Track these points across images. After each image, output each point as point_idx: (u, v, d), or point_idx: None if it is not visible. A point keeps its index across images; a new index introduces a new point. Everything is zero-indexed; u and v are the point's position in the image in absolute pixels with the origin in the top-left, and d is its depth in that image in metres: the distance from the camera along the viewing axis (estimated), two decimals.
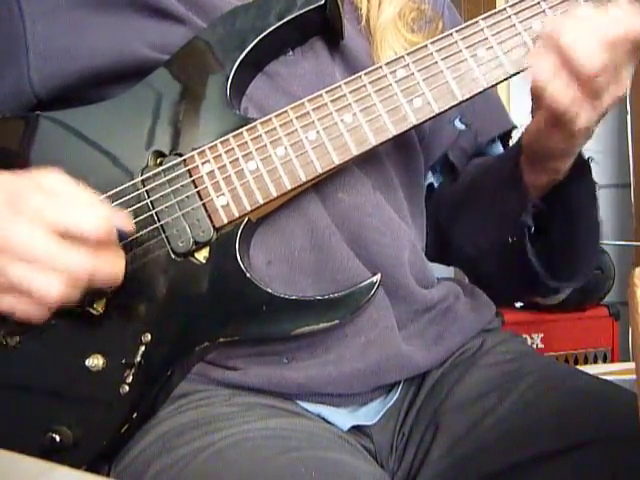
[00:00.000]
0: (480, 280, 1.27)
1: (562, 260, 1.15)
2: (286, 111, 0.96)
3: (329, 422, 1.04)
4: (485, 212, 1.17)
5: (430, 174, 1.26)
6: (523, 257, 1.10)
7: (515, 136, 1.26)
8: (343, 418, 1.05)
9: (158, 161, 0.98)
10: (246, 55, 0.98)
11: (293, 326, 0.97)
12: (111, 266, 0.90)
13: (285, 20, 0.99)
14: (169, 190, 0.96)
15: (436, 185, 1.27)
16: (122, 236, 0.91)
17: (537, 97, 0.93)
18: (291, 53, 1.05)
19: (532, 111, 1.00)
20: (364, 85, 0.95)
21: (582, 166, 1.07)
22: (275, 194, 0.95)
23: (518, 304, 2.77)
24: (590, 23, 0.89)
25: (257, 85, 1.03)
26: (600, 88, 0.90)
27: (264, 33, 0.99)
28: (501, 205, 1.11)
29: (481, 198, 1.17)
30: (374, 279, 0.99)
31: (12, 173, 0.89)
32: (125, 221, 0.91)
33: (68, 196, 0.87)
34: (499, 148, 1.28)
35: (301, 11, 0.99)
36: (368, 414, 1.08)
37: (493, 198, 1.14)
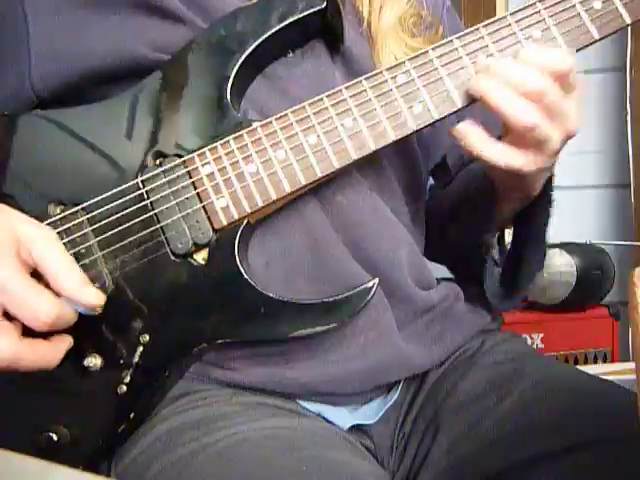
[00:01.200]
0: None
1: (515, 273, 1.19)
2: (287, 114, 0.96)
3: (329, 421, 1.05)
4: (461, 224, 1.21)
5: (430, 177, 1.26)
6: (479, 274, 1.15)
7: None
8: (343, 417, 1.06)
9: (158, 162, 0.97)
10: (247, 57, 0.98)
11: (291, 329, 0.97)
12: (40, 357, 0.88)
13: (286, 22, 0.99)
14: (169, 191, 0.96)
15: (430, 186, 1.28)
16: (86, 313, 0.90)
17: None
18: (291, 55, 1.05)
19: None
20: (365, 90, 0.95)
21: (547, 188, 1.10)
22: (275, 197, 0.95)
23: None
24: (507, 77, 0.92)
25: (257, 87, 1.03)
26: (539, 136, 0.93)
27: (265, 35, 0.98)
28: (471, 219, 1.17)
29: (459, 209, 1.21)
30: (371, 283, 0.99)
31: (3, 213, 0.90)
32: (94, 301, 0.89)
33: (40, 264, 0.86)
34: None
35: (302, 14, 0.99)
36: (368, 413, 1.09)
37: (467, 211, 1.18)
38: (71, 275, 0.88)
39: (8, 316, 0.85)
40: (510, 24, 0.95)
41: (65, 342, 0.91)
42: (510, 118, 0.92)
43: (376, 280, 0.99)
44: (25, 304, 0.84)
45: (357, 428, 1.07)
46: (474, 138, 0.94)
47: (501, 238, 1.23)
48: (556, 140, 0.95)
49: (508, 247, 1.22)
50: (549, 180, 1.09)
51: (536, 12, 0.95)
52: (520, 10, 0.95)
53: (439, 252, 1.28)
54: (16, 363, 0.85)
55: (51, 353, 0.89)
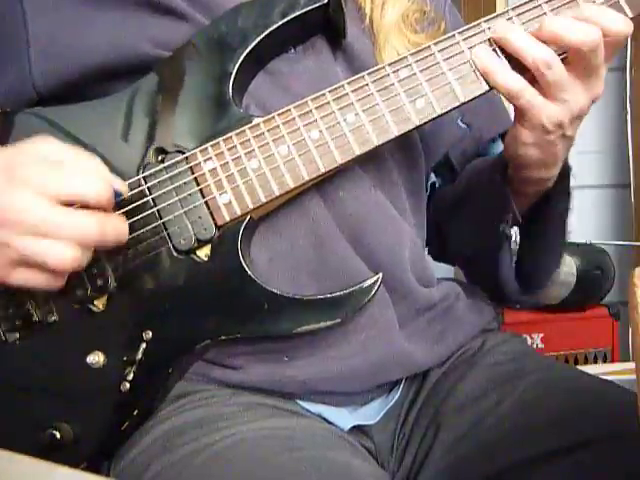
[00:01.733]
0: (474, 281, 1.28)
1: (526, 269, 1.18)
2: (289, 109, 0.96)
3: (330, 422, 1.05)
4: (473, 217, 1.19)
5: (433, 174, 1.26)
6: (496, 265, 1.14)
7: None
8: (344, 418, 1.06)
9: (160, 158, 0.97)
10: (249, 53, 0.98)
11: (294, 325, 0.97)
12: (116, 221, 0.90)
13: (288, 18, 0.99)
14: (171, 187, 0.96)
15: (437, 185, 1.28)
16: (118, 198, 0.92)
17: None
18: (293, 51, 1.05)
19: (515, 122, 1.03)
20: (367, 84, 0.95)
21: (562, 175, 1.09)
22: (277, 192, 0.95)
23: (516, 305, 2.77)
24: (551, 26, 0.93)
25: (259, 83, 1.03)
26: (561, 80, 0.94)
27: (267, 31, 0.98)
28: (484, 212, 1.14)
29: (470, 203, 1.19)
30: (375, 278, 0.99)
31: (7, 147, 0.90)
32: (120, 184, 0.92)
33: (67, 163, 0.87)
34: (500, 147, 1.28)
35: (304, 9, 0.99)
36: (369, 414, 1.09)
37: (479, 205, 1.16)
38: (95, 161, 0.92)
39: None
40: (512, 18, 0.95)
41: (122, 215, 0.93)
42: (528, 55, 0.93)
43: (380, 275, 0.99)
44: (77, 184, 0.86)
45: (357, 429, 1.07)
46: (489, 58, 0.96)
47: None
48: (581, 98, 0.96)
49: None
50: (564, 174, 1.09)
51: (537, 6, 0.95)
52: (521, 4, 0.96)
53: (449, 250, 1.28)
54: (104, 235, 0.87)
55: (122, 221, 0.92)
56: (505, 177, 1.09)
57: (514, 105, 0.98)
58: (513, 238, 1.14)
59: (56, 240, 0.84)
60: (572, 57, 0.93)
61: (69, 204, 0.85)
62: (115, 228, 0.89)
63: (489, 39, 0.95)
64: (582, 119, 1.00)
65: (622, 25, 0.93)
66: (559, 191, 1.11)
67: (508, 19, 0.95)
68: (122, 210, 0.95)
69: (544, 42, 0.93)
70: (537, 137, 0.99)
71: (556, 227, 1.16)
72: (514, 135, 1.02)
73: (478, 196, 1.16)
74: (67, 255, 0.84)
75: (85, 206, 0.86)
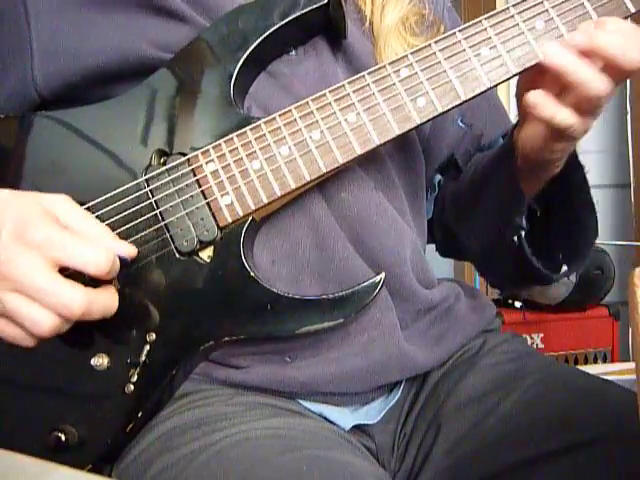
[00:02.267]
0: (487, 274, 1.27)
1: (560, 249, 1.16)
2: (290, 110, 0.96)
3: (331, 421, 1.05)
4: (484, 211, 1.17)
5: (439, 174, 1.26)
6: (521, 255, 1.12)
7: None
8: (345, 417, 1.06)
9: (162, 160, 0.98)
10: (249, 54, 0.98)
11: (297, 325, 0.97)
12: (105, 302, 0.90)
13: (288, 19, 0.99)
14: (173, 189, 0.96)
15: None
16: (125, 263, 0.92)
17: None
18: (294, 52, 1.05)
19: (522, 123, 1.02)
20: (367, 84, 0.96)
21: (574, 157, 1.09)
22: (279, 193, 0.95)
23: (518, 304, 2.77)
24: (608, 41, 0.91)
25: (260, 84, 1.03)
26: (602, 102, 0.93)
27: (267, 32, 0.99)
28: (499, 206, 1.13)
29: (481, 199, 1.18)
30: (378, 278, 0.99)
31: (20, 194, 0.90)
32: (129, 251, 0.92)
33: (73, 228, 0.87)
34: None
35: (304, 10, 0.99)
36: (370, 413, 1.09)
37: (492, 199, 1.15)
38: (106, 230, 0.92)
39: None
40: (513, 15, 0.95)
41: (114, 291, 0.93)
42: (584, 85, 0.91)
43: (382, 275, 0.99)
44: (84, 253, 0.85)
45: (358, 428, 1.07)
46: (547, 105, 0.93)
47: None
48: (603, 104, 0.94)
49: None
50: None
51: (539, 3, 0.95)
52: (523, 1, 0.95)
53: (461, 246, 1.27)
54: (89, 311, 0.86)
55: (112, 298, 0.91)
56: (515, 169, 1.07)
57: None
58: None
59: (40, 306, 0.84)
60: (611, 71, 0.92)
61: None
62: (102, 306, 0.89)
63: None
64: None
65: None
66: (572, 164, 1.10)
67: (509, 17, 0.95)
68: (124, 213, 0.95)
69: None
70: (568, 145, 1.00)
71: (582, 197, 1.14)
72: (542, 146, 1.01)
73: (486, 191, 1.16)
74: (44, 324, 0.84)
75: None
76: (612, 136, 3.14)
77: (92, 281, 0.88)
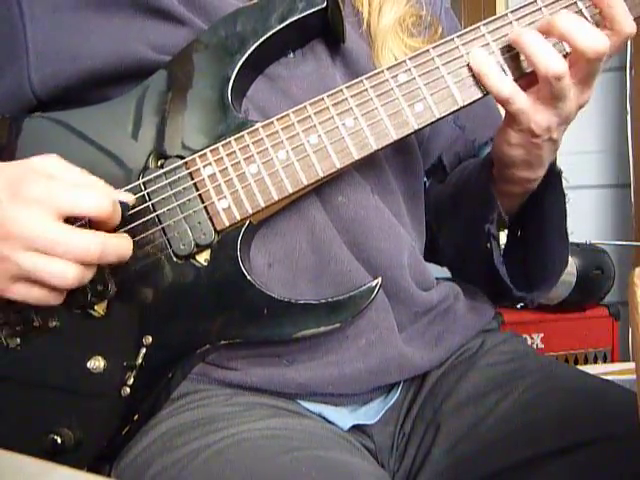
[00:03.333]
0: (464, 280, 1.28)
1: (531, 269, 1.18)
2: (288, 114, 0.96)
3: (330, 421, 1.05)
4: (461, 216, 1.19)
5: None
6: (491, 264, 1.13)
7: None
8: (344, 418, 1.06)
9: (159, 163, 0.97)
10: (247, 57, 0.98)
11: (294, 329, 0.97)
12: (118, 240, 0.90)
13: (286, 23, 0.99)
14: (170, 193, 0.96)
15: (427, 186, 1.28)
16: (124, 207, 0.92)
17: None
18: (292, 55, 1.05)
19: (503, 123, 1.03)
20: (365, 89, 0.96)
21: (553, 178, 1.10)
22: (276, 197, 0.95)
23: (518, 304, 2.77)
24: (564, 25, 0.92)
25: (258, 87, 1.03)
26: (564, 89, 0.93)
27: (265, 36, 0.98)
28: (471, 212, 1.15)
29: (458, 203, 1.20)
30: (374, 282, 0.99)
31: (7, 163, 0.89)
32: (126, 196, 0.93)
33: (67, 179, 0.87)
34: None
35: (303, 14, 0.99)
36: (369, 413, 1.09)
37: (466, 204, 1.17)
38: (96, 178, 0.91)
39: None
40: (511, 22, 0.95)
41: (126, 235, 0.93)
42: (540, 63, 0.92)
43: (379, 280, 0.99)
44: (85, 198, 0.85)
45: (357, 428, 1.07)
46: (484, 60, 0.95)
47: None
48: (572, 104, 0.96)
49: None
50: (554, 176, 1.11)
51: (537, 9, 0.95)
52: (521, 7, 0.95)
53: (438, 250, 1.28)
54: (105, 254, 0.86)
55: (125, 241, 0.92)
56: (491, 177, 1.10)
57: (505, 109, 0.98)
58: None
59: (58, 258, 0.84)
60: (574, 61, 0.93)
61: (73, 219, 0.86)
62: (117, 247, 0.89)
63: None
64: (569, 123, 1.00)
65: (630, 27, 0.94)
66: (551, 192, 1.12)
67: (507, 23, 0.95)
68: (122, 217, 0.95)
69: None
70: (524, 139, 1.00)
71: (555, 228, 1.16)
72: (502, 135, 1.03)
73: (465, 196, 1.17)
74: (68, 273, 0.84)
75: (91, 222, 0.87)
76: (612, 136, 3.14)
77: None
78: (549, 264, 1.18)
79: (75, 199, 0.85)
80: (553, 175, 1.11)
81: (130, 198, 0.93)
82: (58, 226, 0.84)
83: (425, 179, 1.27)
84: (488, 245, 1.13)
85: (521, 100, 0.95)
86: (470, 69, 0.95)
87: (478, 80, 0.95)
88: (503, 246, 1.21)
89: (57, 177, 0.86)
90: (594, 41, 0.91)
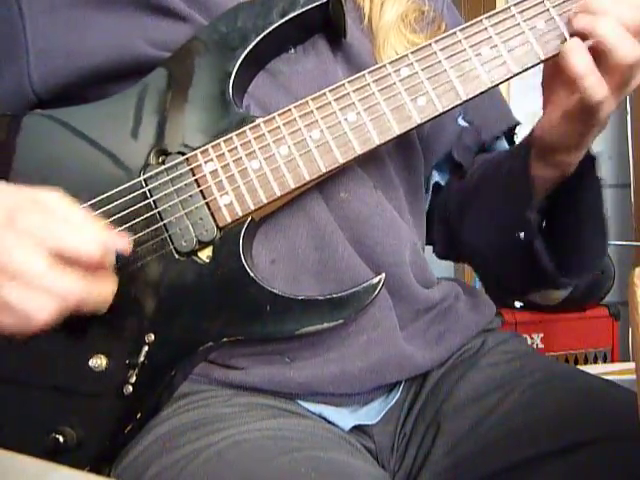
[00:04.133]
0: (489, 276, 1.27)
1: (571, 255, 1.14)
2: (289, 110, 0.96)
3: (330, 422, 1.04)
4: (494, 208, 1.16)
5: (436, 173, 1.26)
6: (531, 253, 1.10)
7: (520, 132, 1.26)
8: (344, 418, 1.05)
9: (160, 159, 0.97)
10: (248, 53, 0.98)
11: (297, 326, 0.96)
12: (100, 292, 0.89)
13: (288, 18, 0.98)
14: (172, 189, 0.96)
15: (442, 183, 1.27)
16: (119, 258, 0.91)
17: (565, 91, 0.95)
18: (293, 51, 1.05)
19: (545, 106, 1.01)
20: (368, 84, 0.95)
21: (590, 162, 1.07)
22: (279, 193, 0.95)
23: (518, 304, 2.78)
24: (619, 12, 0.90)
25: (259, 83, 1.03)
26: (630, 78, 0.92)
27: (266, 31, 0.98)
28: (508, 201, 1.11)
29: (490, 194, 1.17)
30: (377, 279, 0.99)
31: (10, 186, 0.89)
32: (123, 243, 0.90)
33: (65, 217, 0.86)
34: (504, 144, 1.27)
35: (304, 9, 0.98)
36: (369, 414, 1.08)
37: (501, 194, 1.14)
38: (96, 221, 0.90)
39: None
40: (514, 15, 0.94)
41: (113, 281, 0.92)
42: (618, 53, 0.90)
43: (382, 276, 0.99)
44: (76, 239, 0.84)
45: (358, 429, 1.07)
46: (583, 57, 0.92)
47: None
48: (635, 83, 0.95)
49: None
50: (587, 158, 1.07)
51: (540, 2, 0.94)
52: (523, 1, 0.95)
53: (462, 246, 1.26)
54: (83, 302, 0.86)
55: (108, 290, 0.91)
56: (527, 164, 1.06)
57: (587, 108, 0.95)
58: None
59: (37, 294, 0.83)
60: None
61: (62, 259, 0.85)
62: (96, 298, 0.88)
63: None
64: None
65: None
66: (587, 176, 1.08)
67: (510, 16, 0.95)
68: (122, 213, 0.95)
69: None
70: (579, 123, 0.98)
71: (590, 215, 1.12)
72: (553, 124, 1.00)
73: (495, 187, 1.15)
74: (43, 312, 0.83)
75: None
76: (612, 136, 3.14)
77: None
78: (585, 256, 1.15)
79: (65, 239, 0.84)
80: (588, 160, 1.07)
81: (125, 245, 0.91)
82: (44, 263, 0.83)
83: (437, 178, 1.26)
84: (525, 234, 1.09)
85: (608, 101, 0.93)
86: (472, 63, 0.95)
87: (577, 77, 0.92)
88: None
89: (55, 212, 0.86)
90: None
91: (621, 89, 0.93)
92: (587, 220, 1.11)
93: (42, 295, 0.83)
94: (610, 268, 2.71)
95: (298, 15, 0.99)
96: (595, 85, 0.91)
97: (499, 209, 1.15)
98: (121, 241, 0.90)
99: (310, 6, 0.98)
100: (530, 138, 1.06)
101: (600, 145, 3.12)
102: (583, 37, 0.92)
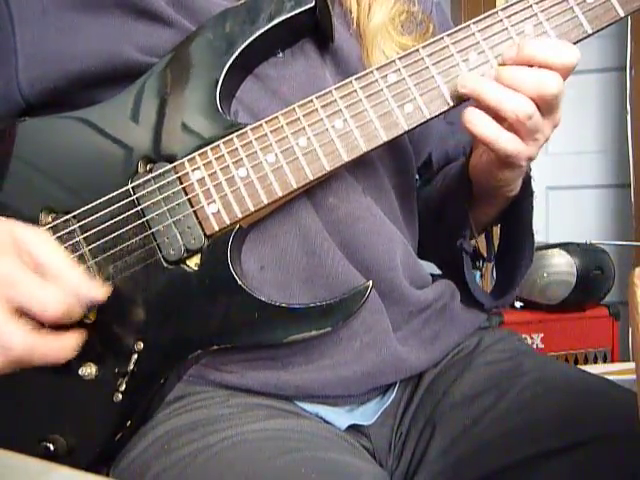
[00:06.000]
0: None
1: (505, 273, 1.22)
2: (277, 117, 0.95)
3: (327, 422, 1.05)
4: (440, 227, 1.22)
5: None
6: (461, 277, 1.17)
7: None
8: (341, 418, 1.06)
9: (148, 167, 0.97)
10: (235, 58, 0.97)
11: (286, 333, 0.96)
12: (51, 350, 0.88)
13: (275, 22, 0.98)
14: (159, 197, 0.95)
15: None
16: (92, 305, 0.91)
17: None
18: (281, 55, 1.04)
19: (472, 149, 1.07)
20: (355, 90, 0.95)
21: (526, 179, 1.12)
22: (266, 201, 0.94)
23: (518, 304, 2.78)
24: (511, 78, 0.92)
25: (247, 87, 1.02)
26: (537, 125, 0.93)
27: (253, 36, 0.98)
28: (447, 225, 1.18)
29: (438, 214, 1.21)
30: (365, 286, 0.98)
31: None
32: (97, 294, 0.90)
33: (42, 266, 0.86)
34: None
35: (291, 13, 0.98)
36: (365, 414, 1.09)
37: (444, 217, 1.19)
38: (74, 270, 0.88)
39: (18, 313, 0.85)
40: (502, 20, 0.94)
41: (75, 337, 0.91)
42: (508, 112, 0.91)
43: (370, 283, 0.99)
44: (33, 296, 0.84)
45: (354, 428, 1.07)
46: (487, 126, 0.94)
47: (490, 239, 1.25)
48: (547, 132, 0.96)
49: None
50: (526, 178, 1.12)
51: (528, 7, 0.94)
52: (511, 5, 0.94)
53: (426, 252, 1.28)
54: (29, 356, 0.85)
55: (61, 347, 0.89)
56: (468, 194, 1.12)
57: (493, 151, 0.97)
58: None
59: None
60: (537, 104, 0.93)
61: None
62: (44, 353, 0.87)
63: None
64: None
65: (571, 56, 0.92)
66: (525, 194, 1.14)
67: (497, 21, 0.94)
68: (111, 222, 0.95)
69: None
70: (513, 173, 1.03)
71: (527, 229, 1.18)
72: (487, 171, 1.05)
73: (443, 209, 1.19)
74: None
75: None
76: (612, 136, 3.14)
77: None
78: (522, 266, 1.20)
79: (25, 295, 0.84)
80: (526, 177, 1.12)
81: (99, 295, 0.90)
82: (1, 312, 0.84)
83: (417, 177, 1.27)
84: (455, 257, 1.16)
85: (522, 150, 0.95)
86: (459, 68, 0.95)
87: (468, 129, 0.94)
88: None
89: (31, 259, 0.86)
90: (546, 86, 0.91)
91: (533, 137, 0.95)
92: (524, 234, 1.19)
93: None
94: (610, 268, 2.71)
95: (285, 20, 0.98)
96: (506, 144, 0.94)
97: (445, 231, 1.20)
98: (96, 292, 0.90)
99: (297, 11, 0.98)
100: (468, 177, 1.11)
101: (600, 145, 3.12)
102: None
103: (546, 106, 0.93)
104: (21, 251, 0.85)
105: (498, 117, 0.93)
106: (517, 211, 1.16)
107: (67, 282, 0.87)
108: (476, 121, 0.93)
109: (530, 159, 0.97)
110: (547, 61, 0.91)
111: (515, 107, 0.91)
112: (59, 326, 0.89)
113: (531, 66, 0.92)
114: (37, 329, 0.86)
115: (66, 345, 0.90)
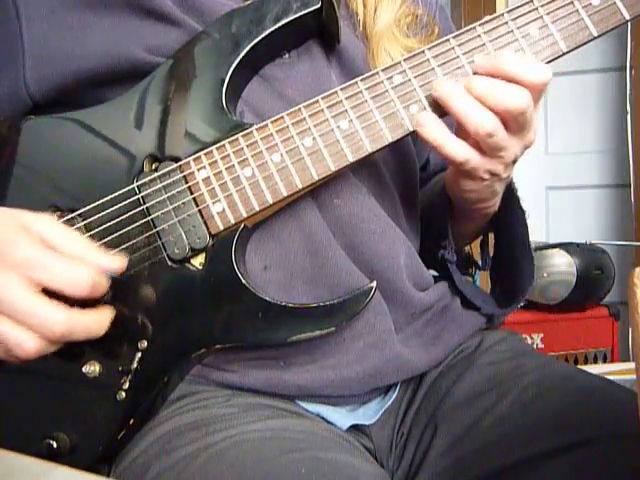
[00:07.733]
0: None
1: (500, 287, 1.23)
2: (282, 117, 0.95)
3: (328, 422, 1.05)
4: (424, 234, 1.22)
5: None
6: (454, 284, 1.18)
7: None
8: (342, 418, 1.06)
9: (153, 166, 0.97)
10: (242, 59, 0.98)
11: (289, 333, 0.96)
12: (89, 325, 0.88)
13: (281, 23, 0.98)
14: (165, 196, 0.95)
15: None
16: (114, 276, 0.91)
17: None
18: (287, 56, 1.05)
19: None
20: (360, 91, 0.95)
21: (509, 195, 1.13)
22: (271, 201, 0.95)
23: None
24: (481, 88, 0.92)
25: (253, 88, 1.03)
26: (500, 142, 0.94)
27: (260, 37, 0.98)
28: (431, 233, 1.18)
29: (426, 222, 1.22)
30: (369, 287, 0.98)
31: (3, 212, 0.89)
32: (117, 265, 0.90)
33: (56, 247, 0.86)
34: None
35: (297, 14, 0.98)
36: (367, 414, 1.09)
37: (427, 224, 1.20)
38: (90, 245, 0.90)
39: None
40: (507, 22, 0.94)
41: (108, 311, 0.92)
42: (469, 126, 0.92)
43: (374, 283, 0.99)
44: (63, 275, 0.84)
45: (356, 428, 1.07)
46: (435, 129, 0.94)
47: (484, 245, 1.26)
48: (515, 149, 0.97)
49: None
50: (510, 191, 1.13)
51: (533, 9, 0.94)
52: (517, 7, 0.94)
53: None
54: (70, 333, 0.85)
55: (99, 321, 0.90)
56: (448, 208, 1.13)
57: (457, 168, 0.99)
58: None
59: (22, 328, 0.83)
60: (504, 118, 0.93)
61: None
62: (85, 327, 0.88)
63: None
64: (516, 162, 1.01)
65: (541, 75, 0.92)
66: (510, 209, 1.15)
67: (503, 23, 0.95)
68: (116, 220, 0.95)
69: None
70: (475, 185, 1.02)
71: (518, 244, 1.19)
72: (453, 183, 1.06)
73: (428, 218, 1.20)
74: (27, 346, 0.84)
75: None
76: (612, 136, 3.14)
77: (82, 301, 0.87)
78: (518, 281, 1.21)
79: (52, 273, 0.84)
80: (509, 192, 1.14)
81: (119, 265, 0.91)
82: (29, 297, 0.83)
83: None
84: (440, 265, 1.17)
85: (473, 159, 0.95)
86: (465, 70, 0.95)
87: (432, 145, 0.95)
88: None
89: (48, 244, 0.86)
90: (513, 102, 0.91)
91: (493, 154, 0.96)
92: (516, 252, 1.19)
93: (24, 329, 0.83)
94: (610, 268, 2.71)
95: (291, 21, 0.98)
96: (455, 151, 0.94)
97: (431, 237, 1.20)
98: (115, 263, 0.90)
99: (303, 12, 0.98)
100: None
101: (600, 145, 3.12)
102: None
103: (514, 123, 0.93)
104: (31, 234, 0.85)
105: (461, 126, 0.94)
106: (504, 226, 1.18)
107: (87, 257, 0.87)
108: (426, 124, 0.94)
109: (494, 174, 0.98)
110: (515, 75, 0.91)
111: (477, 122, 0.91)
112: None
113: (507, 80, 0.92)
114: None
115: (103, 319, 0.90)
